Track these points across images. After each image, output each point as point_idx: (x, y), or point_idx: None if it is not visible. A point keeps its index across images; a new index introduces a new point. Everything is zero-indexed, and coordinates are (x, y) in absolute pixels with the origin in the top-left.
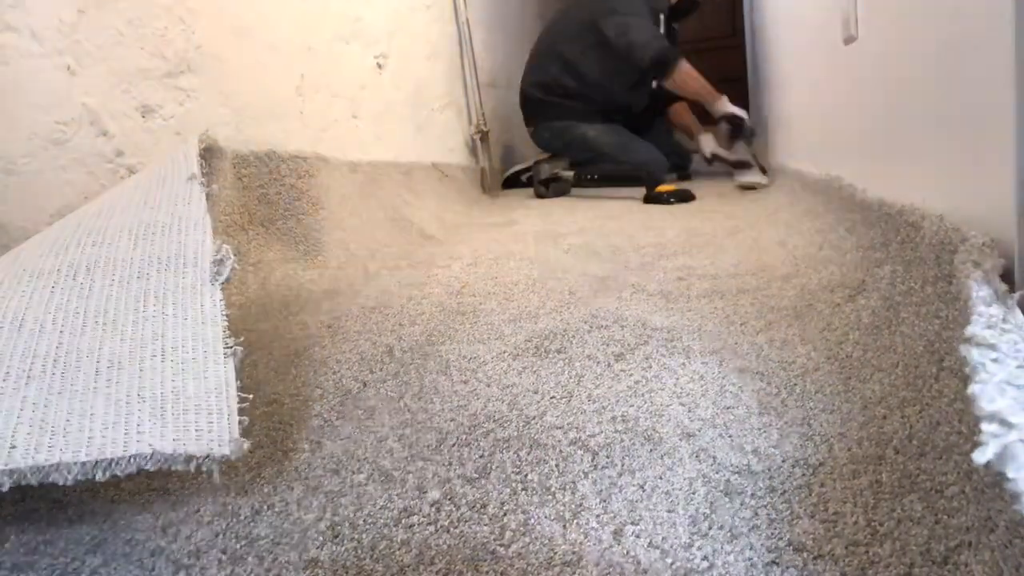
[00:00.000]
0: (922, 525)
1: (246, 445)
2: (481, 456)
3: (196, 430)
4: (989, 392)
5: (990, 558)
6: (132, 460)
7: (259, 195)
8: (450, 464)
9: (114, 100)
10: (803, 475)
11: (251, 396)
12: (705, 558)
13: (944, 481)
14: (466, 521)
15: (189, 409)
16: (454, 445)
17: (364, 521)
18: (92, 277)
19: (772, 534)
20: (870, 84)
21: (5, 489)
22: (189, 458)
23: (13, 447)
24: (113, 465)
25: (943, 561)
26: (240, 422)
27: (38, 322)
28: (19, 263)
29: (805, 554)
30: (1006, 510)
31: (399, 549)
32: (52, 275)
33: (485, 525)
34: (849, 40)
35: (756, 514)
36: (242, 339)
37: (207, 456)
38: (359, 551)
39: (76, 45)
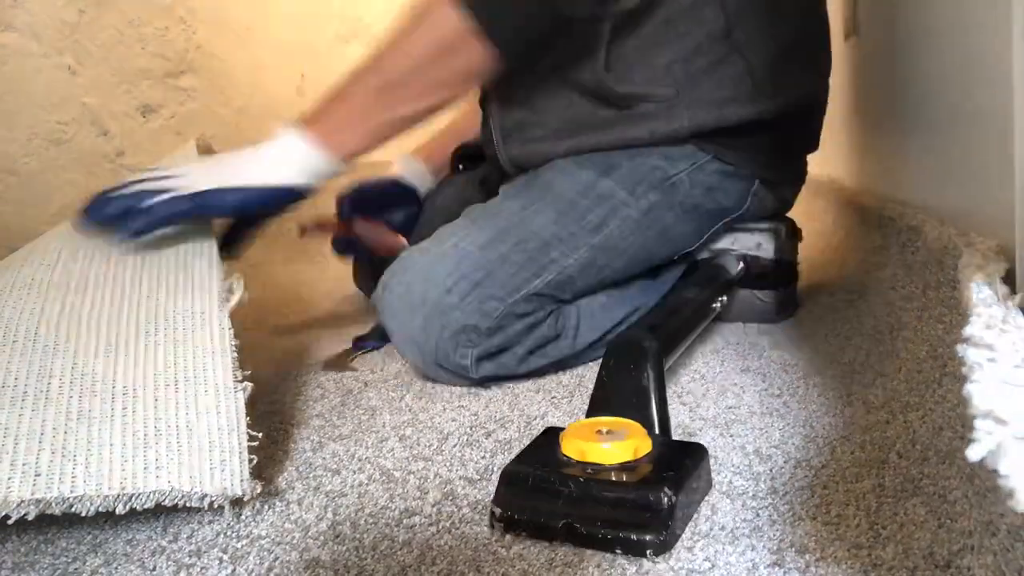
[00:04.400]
0: (925, 529)
1: (259, 488)
2: (483, 457)
3: (210, 468)
4: (984, 391)
5: (992, 562)
6: (152, 495)
7: None
8: (452, 465)
9: (115, 100)
10: (805, 477)
11: (260, 434)
12: (707, 559)
13: (947, 486)
14: (468, 522)
15: (203, 446)
16: (455, 446)
17: (365, 521)
18: (102, 294)
19: (774, 536)
20: (870, 83)
21: (31, 518)
22: (203, 496)
23: (37, 475)
24: (134, 499)
25: (946, 565)
26: (249, 460)
27: (51, 337)
28: (26, 271)
29: (807, 556)
30: (1007, 513)
31: (401, 549)
32: (61, 288)
33: (487, 526)
34: (849, 38)
35: (758, 515)
36: (249, 372)
37: (221, 494)
38: (360, 551)
39: (77, 45)
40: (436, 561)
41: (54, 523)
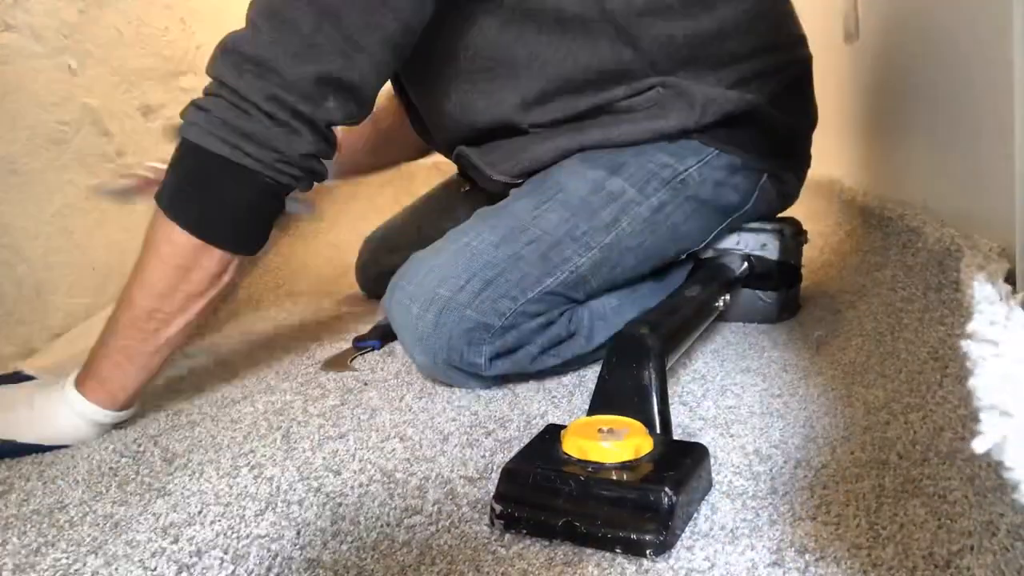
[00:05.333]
0: (925, 529)
1: None
2: (483, 456)
3: None
4: (989, 385)
5: (992, 562)
6: None
7: None
8: (452, 464)
9: (115, 100)
10: (805, 477)
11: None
12: (707, 558)
13: (947, 486)
14: (468, 521)
15: None
16: (456, 445)
17: (366, 521)
18: None
19: (774, 535)
20: (871, 84)
21: None
22: None
23: None
24: None
25: (945, 565)
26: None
27: None
28: None
29: (807, 556)
30: (1007, 514)
31: (401, 549)
32: None
33: (486, 525)
34: (850, 39)
35: (758, 515)
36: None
37: None
38: (361, 551)
39: (77, 45)
40: (436, 561)
41: (55, 524)
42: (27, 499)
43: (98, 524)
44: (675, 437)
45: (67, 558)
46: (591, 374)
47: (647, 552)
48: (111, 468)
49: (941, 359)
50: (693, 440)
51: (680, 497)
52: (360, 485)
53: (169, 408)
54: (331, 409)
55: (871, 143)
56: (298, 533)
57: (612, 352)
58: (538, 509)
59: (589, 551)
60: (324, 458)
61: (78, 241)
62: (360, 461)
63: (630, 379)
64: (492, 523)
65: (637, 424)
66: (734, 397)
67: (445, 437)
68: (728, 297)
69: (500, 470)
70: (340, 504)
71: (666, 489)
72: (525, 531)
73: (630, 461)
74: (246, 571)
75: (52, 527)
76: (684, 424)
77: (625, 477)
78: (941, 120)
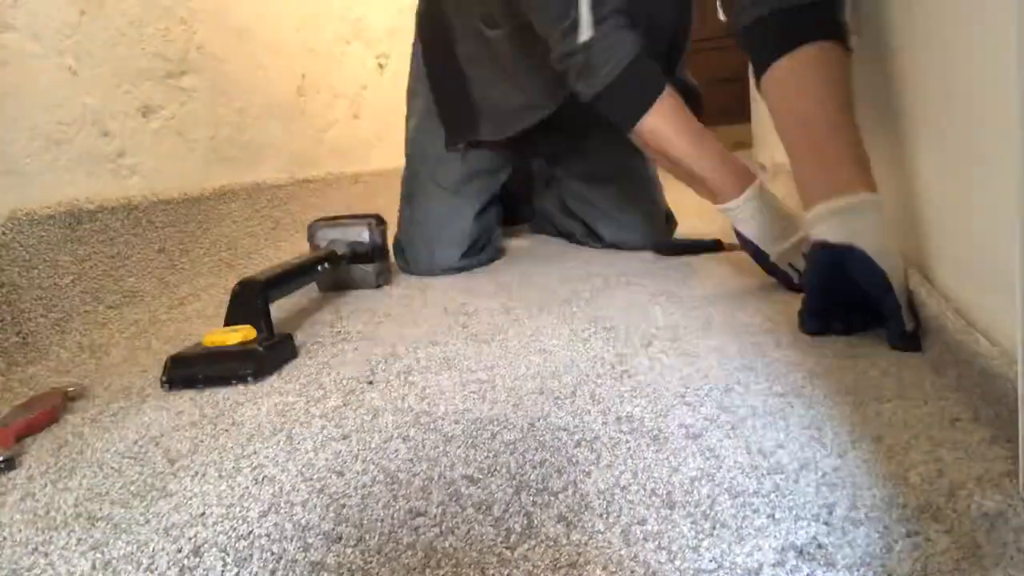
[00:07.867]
0: (946, 555)
1: None
2: (486, 457)
3: None
4: None
5: None
6: None
7: (244, 231)
8: (455, 466)
9: (115, 100)
10: (810, 478)
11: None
12: (712, 559)
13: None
14: (472, 523)
15: None
16: (459, 446)
17: (369, 522)
18: None
19: (779, 536)
20: (872, 86)
21: None
22: None
23: None
24: None
25: None
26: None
27: None
28: None
29: (814, 560)
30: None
31: (406, 551)
32: None
33: (491, 527)
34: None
35: (761, 515)
36: None
37: None
38: (365, 553)
39: (77, 45)
40: (441, 564)
41: (52, 526)
42: (26, 498)
43: (99, 525)
44: (679, 436)
45: (68, 558)
46: (593, 375)
47: (247, 379)
48: (113, 468)
49: None
50: (698, 439)
51: (266, 350)
52: (363, 486)
53: (171, 409)
54: (333, 410)
55: (870, 143)
56: (301, 535)
57: (236, 288)
58: (186, 370)
59: (594, 553)
60: (327, 459)
61: None
62: (363, 462)
63: (251, 304)
64: (163, 386)
65: (248, 327)
66: (738, 396)
67: (448, 438)
68: (327, 265)
69: (168, 358)
70: (343, 506)
71: (257, 347)
72: (180, 385)
73: (241, 343)
74: (249, 573)
75: (51, 528)
76: (687, 423)
77: (235, 346)
78: (942, 121)
